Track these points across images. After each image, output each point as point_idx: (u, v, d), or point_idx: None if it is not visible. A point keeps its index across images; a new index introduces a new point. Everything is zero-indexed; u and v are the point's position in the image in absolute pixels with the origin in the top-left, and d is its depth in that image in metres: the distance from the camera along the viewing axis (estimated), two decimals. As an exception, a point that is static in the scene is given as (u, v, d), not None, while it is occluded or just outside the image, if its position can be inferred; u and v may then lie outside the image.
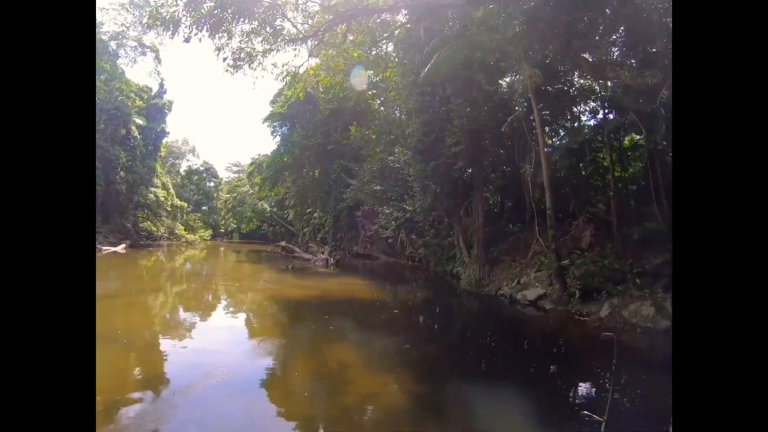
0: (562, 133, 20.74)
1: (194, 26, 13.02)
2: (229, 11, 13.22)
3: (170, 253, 38.72)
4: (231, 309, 14.14)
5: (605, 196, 18.18)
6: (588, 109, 19.60)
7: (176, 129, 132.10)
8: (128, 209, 43.68)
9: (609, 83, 16.73)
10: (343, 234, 36.09)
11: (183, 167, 79.37)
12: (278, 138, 43.02)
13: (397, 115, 26.61)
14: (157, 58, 42.32)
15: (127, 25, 35.54)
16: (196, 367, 7.34)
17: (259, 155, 53.95)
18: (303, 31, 15.43)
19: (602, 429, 3.34)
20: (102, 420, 4.99)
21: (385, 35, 18.20)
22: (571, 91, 18.43)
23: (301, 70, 18.92)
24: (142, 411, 5.56)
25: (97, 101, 33.93)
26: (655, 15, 11.03)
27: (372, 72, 23.48)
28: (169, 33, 13.27)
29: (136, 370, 7.24)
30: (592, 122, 19.77)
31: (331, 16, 14.81)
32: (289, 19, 15.12)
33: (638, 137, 18.18)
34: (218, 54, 14.55)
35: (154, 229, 48.36)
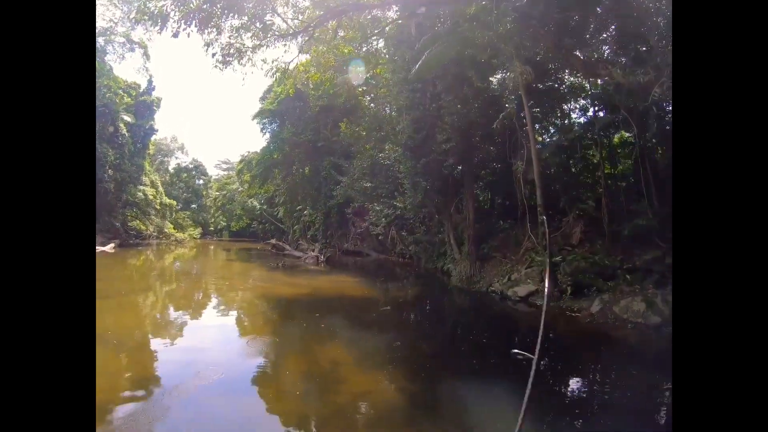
0: (552, 131, 20.84)
1: (183, 21, 12.86)
2: (218, 6, 13.09)
3: (160, 252, 38.42)
4: (221, 308, 14.04)
5: (595, 193, 18.32)
6: (578, 106, 19.73)
7: (165, 126, 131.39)
8: (117, 208, 43.17)
9: (599, 81, 16.82)
10: (333, 231, 35.99)
11: (172, 165, 78.60)
12: (268, 135, 42.70)
13: (388, 111, 26.54)
14: (146, 55, 41.89)
15: (116, 20, 34.99)
16: (187, 367, 7.26)
17: (249, 152, 53.75)
18: (293, 27, 15.32)
19: (533, 364, 3.34)
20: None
21: (375, 31, 18.13)
22: (562, 88, 18.52)
23: (291, 66, 18.80)
24: (134, 412, 5.49)
25: (85, 98, 33.43)
26: (646, 14, 11.07)
27: (362, 69, 23.39)
28: (157, 28, 13.09)
29: (128, 372, 7.15)
30: (582, 120, 19.91)
31: (321, 12, 14.71)
32: (279, 15, 15.00)
33: (628, 135, 18.30)
34: (207, 50, 14.40)
35: (143, 228, 47.87)
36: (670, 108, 14.28)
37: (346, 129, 29.28)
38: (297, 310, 13.26)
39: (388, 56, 21.12)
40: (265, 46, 15.19)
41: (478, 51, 12.17)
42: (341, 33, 16.91)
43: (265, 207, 57.66)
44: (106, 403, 5.52)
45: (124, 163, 43.04)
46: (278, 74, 18.88)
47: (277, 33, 14.95)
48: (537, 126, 18.06)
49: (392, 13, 18.09)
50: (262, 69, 17.24)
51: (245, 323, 11.76)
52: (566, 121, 20.08)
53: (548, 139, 20.47)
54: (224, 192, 72.64)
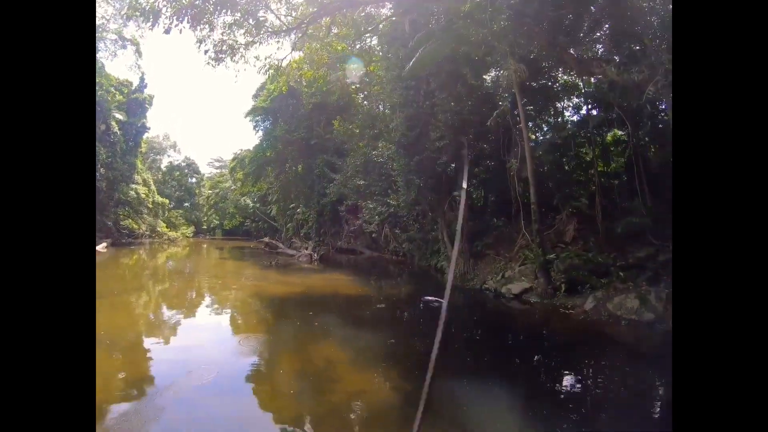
0: (545, 129, 20.93)
1: (175, 17, 12.75)
2: (211, 2, 12.99)
3: (152, 251, 38.18)
4: (215, 307, 13.96)
5: (588, 191, 18.40)
6: (571, 104, 19.85)
7: (157, 124, 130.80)
8: (108, 207, 42.86)
9: (593, 79, 16.90)
10: (326, 229, 35.91)
11: (164, 163, 78.22)
12: (261, 133, 42.46)
13: (381, 109, 26.51)
14: (138, 52, 41.56)
15: (107, 17, 34.63)
16: (181, 367, 7.20)
17: (242, 150, 53.36)
18: (286, 24, 15.23)
19: (442, 308, 3.39)
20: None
21: (369, 29, 18.08)
22: (555, 86, 18.60)
23: (284, 64, 18.69)
24: (128, 412, 5.43)
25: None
26: (640, 13, 11.12)
27: (355, 66, 23.34)
28: (149, 24, 12.98)
29: (121, 371, 7.08)
30: (575, 118, 20.01)
31: (315, 9, 14.65)
32: (272, 11, 14.92)
33: (621, 133, 18.41)
34: (199, 46, 14.29)
35: (135, 227, 47.58)
36: (664, 106, 14.37)
37: (339, 126, 29.24)
38: (290, 309, 13.20)
39: (381, 54, 21.09)
40: (258, 43, 15.11)
41: (473, 48, 12.15)
42: (335, 30, 16.86)
43: (258, 205, 57.48)
44: (99, 403, 5.44)
45: (116, 162, 42.77)
46: (271, 71, 18.72)
47: (270, 29, 14.87)
48: (530, 124, 18.11)
49: (386, 11, 18.07)
50: (254, 66, 17.15)
51: (239, 322, 11.70)
52: (559, 119, 20.20)
53: (541, 137, 20.56)
54: (217, 190, 72.39)
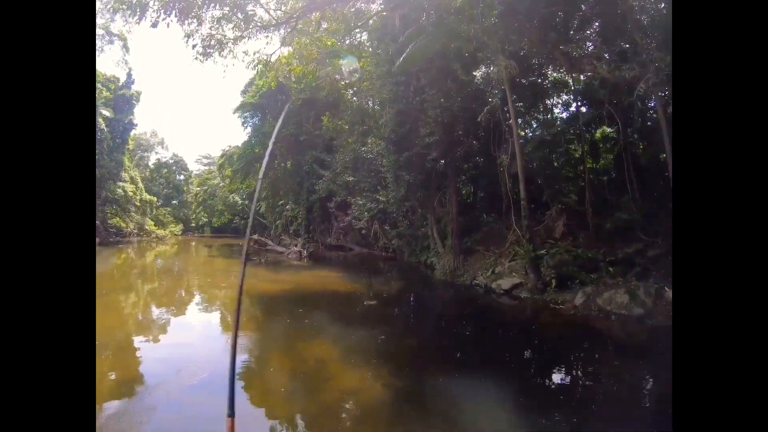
0: (534, 125, 21.03)
1: (162, 10, 12.59)
2: (200, -6, 12.87)
3: (140, 249, 37.83)
4: (204, 305, 13.86)
5: (577, 187, 18.54)
6: (560, 101, 19.96)
7: (144, 121, 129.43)
8: (96, 205, 42.46)
9: (582, 77, 17.00)
10: (316, 226, 35.78)
11: (152, 160, 77.30)
12: (249, 129, 42.11)
13: (371, 105, 26.42)
14: (125, 47, 40.99)
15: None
16: (171, 366, 7.11)
17: (230, 147, 52.89)
18: (276, 18, 15.10)
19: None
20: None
21: (359, 24, 17.99)
22: (545, 83, 18.70)
23: (273, 59, 18.55)
24: (118, 412, 5.35)
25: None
26: (630, 12, 11.19)
27: (345, 62, 23.22)
28: (136, 18, 12.80)
29: (111, 371, 6.98)
30: (564, 115, 20.14)
31: (304, 3, 14.55)
32: (261, 5, 14.78)
33: (609, 130, 18.58)
34: (187, 41, 14.12)
35: (123, 225, 47.10)
36: (653, 104, 14.47)
37: (328, 123, 29.07)
38: (280, 306, 13.12)
39: (371, 49, 20.97)
40: (246, 38, 14.98)
41: (464, 44, 12.13)
42: (324, 25, 16.75)
43: (246, 202, 57.15)
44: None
45: (103, 159, 42.22)
46: (260, 66, 18.58)
47: (259, 24, 14.74)
48: (520, 120, 18.15)
49: (376, 6, 18.01)
50: (243, 61, 17.02)
51: (228, 320, 11.60)
52: (549, 116, 20.29)
53: (531, 134, 20.67)
54: (205, 187, 71.76)
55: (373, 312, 12.49)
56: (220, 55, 14.89)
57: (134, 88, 48.77)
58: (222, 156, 55.30)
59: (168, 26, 13.04)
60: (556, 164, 19.84)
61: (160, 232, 55.59)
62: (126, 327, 10.34)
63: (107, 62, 79.37)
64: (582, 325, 10.23)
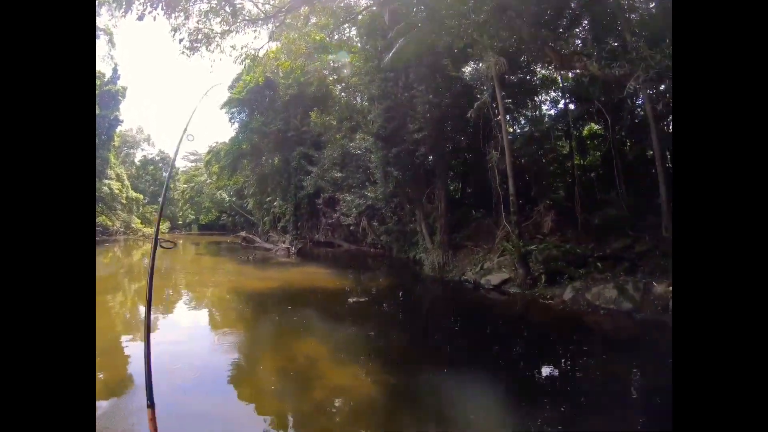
0: (522, 122, 21.13)
1: (149, 3, 12.40)
2: (187, -14, 12.70)
3: (127, 248, 37.34)
4: (192, 304, 13.69)
5: (565, 183, 18.70)
6: (549, 98, 20.09)
7: (130, 117, 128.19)
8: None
9: (571, 74, 17.10)
10: (304, 222, 35.67)
11: (138, 157, 76.45)
12: (236, 125, 41.64)
13: (359, 101, 26.34)
14: (111, 42, 40.56)
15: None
16: (162, 367, 6.98)
17: (217, 143, 52.44)
18: (264, 12, 14.95)
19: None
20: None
21: (348, 19, 17.88)
22: (534, 80, 18.80)
23: (261, 54, 18.38)
24: (107, 413, 5.25)
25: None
26: (619, 10, 11.30)
27: (334, 57, 23.09)
28: (122, 10, 12.60)
29: (100, 373, 6.85)
30: (552, 111, 20.29)
31: (294, -3, 14.43)
32: (250, -2, 14.65)
33: (597, 127, 18.75)
34: (174, 35, 13.92)
35: (109, 223, 46.52)
36: (641, 101, 14.60)
37: (316, 118, 28.86)
38: (269, 304, 13.04)
39: (360, 45, 20.88)
40: (234, 32, 14.83)
41: (455, 39, 12.08)
42: (313, 19, 16.62)
43: (233, 199, 56.71)
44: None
45: (87, 156, 41.67)
46: (247, 61, 18.38)
47: (247, 18, 14.60)
48: (508, 117, 18.18)
49: (365, 1, 17.88)
50: (231, 56, 16.81)
51: (217, 318, 11.52)
52: (537, 113, 20.42)
53: (519, 130, 20.76)
54: (192, 184, 71.07)
55: (362, 308, 12.46)
56: (207, 49, 14.71)
57: (120, 83, 48.13)
58: (209, 152, 54.82)
59: (154, 19, 12.88)
60: (544, 160, 19.99)
61: (147, 230, 55.04)
62: (114, 327, 10.20)
63: (92, 57, 78.34)
64: (571, 319, 10.29)
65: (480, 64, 16.10)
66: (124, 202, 50.76)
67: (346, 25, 19.30)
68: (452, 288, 15.41)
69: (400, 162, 18.48)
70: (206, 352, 8.15)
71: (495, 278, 14.05)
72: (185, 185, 73.46)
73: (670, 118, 16.03)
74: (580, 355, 8.24)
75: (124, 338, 9.11)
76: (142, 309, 12.51)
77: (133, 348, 8.23)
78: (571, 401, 5.99)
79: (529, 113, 20.68)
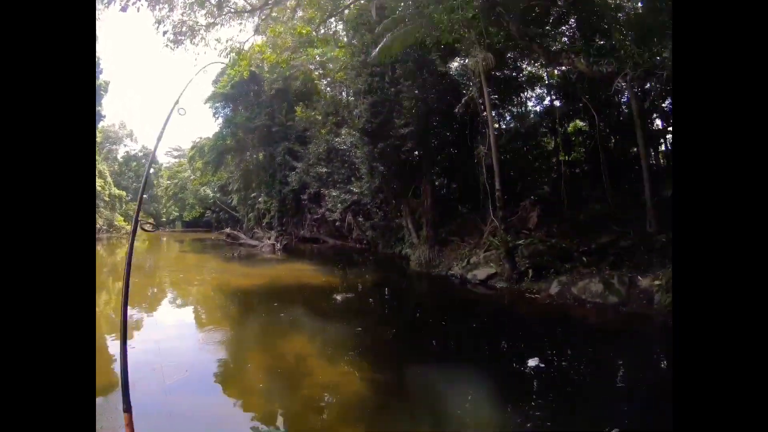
0: (508, 118, 21.23)
1: (133, -7, 12.21)
2: (171, -23, 12.49)
3: (110, 246, 36.80)
4: (178, 302, 13.53)
5: (550, 179, 18.84)
6: (534, 95, 20.21)
7: (112, 112, 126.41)
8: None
9: (557, 71, 17.22)
10: (289, 218, 35.43)
11: (120, 153, 75.31)
12: (220, 120, 41.23)
13: (344, 96, 26.25)
14: (92, 36, 39.90)
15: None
16: (146, 365, 6.85)
17: (201, 138, 51.96)
18: (250, 4, 14.78)
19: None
20: None
21: (335, 13, 17.76)
22: (520, 77, 18.88)
23: (246, 47, 18.20)
24: (96, 415, 5.14)
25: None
26: (606, 9, 11.41)
27: (319, 51, 22.93)
28: (105, 1, 12.35)
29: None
30: (538, 108, 20.44)
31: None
32: (236, -9, 14.47)
33: (582, 124, 18.91)
34: (158, 27, 13.70)
35: (91, 221, 45.95)
36: (626, 99, 14.76)
37: (301, 113, 28.69)
38: (255, 301, 12.96)
39: (347, 39, 20.78)
40: (219, 25, 14.63)
41: (444, 34, 12.05)
42: (300, 13, 16.46)
43: (218, 195, 56.12)
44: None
45: (68, 152, 41.05)
46: (232, 55, 18.19)
47: (232, 10, 14.42)
48: (494, 113, 18.25)
49: (353, -5, 17.76)
50: (215, 49, 16.63)
51: (203, 317, 11.42)
52: (523, 109, 20.54)
53: (504, 127, 20.84)
54: (176, 180, 70.24)
55: (349, 305, 12.42)
56: (191, 42, 14.50)
57: (102, 77, 47.31)
58: (192, 148, 54.34)
59: (138, 11, 12.66)
60: (529, 156, 20.13)
61: (130, 227, 54.31)
62: (98, 326, 10.05)
63: (74, 51, 76.87)
64: (558, 313, 10.36)
65: (467, 60, 16.10)
66: (107, 199, 50.11)
67: (332, 19, 19.14)
68: (439, 283, 15.43)
69: (385, 157, 18.44)
70: (193, 351, 8.05)
71: (481, 273, 14.08)
72: (168, 181, 72.68)
73: (655, 115, 16.31)
74: (568, 348, 8.28)
75: (108, 338, 8.96)
76: (128, 309, 12.32)
77: (117, 347, 8.10)
78: (559, 393, 6.05)
79: (515, 109, 20.79)
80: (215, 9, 13.97)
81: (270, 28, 16.80)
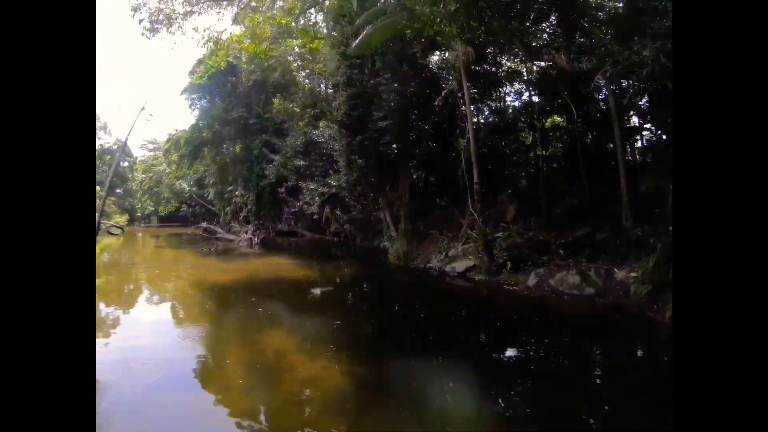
0: (487, 112, 21.35)
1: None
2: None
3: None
4: (154, 299, 13.25)
5: (528, 173, 19.06)
6: (513, 90, 20.36)
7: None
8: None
9: (536, 67, 17.39)
10: (266, 212, 35.11)
11: (94, 147, 74.17)
12: (197, 111, 40.44)
13: (323, 88, 26.09)
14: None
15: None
16: (126, 368, 6.68)
17: (177, 131, 50.93)
18: (230, -8, 14.56)
19: None
20: None
21: (316, 3, 17.57)
22: (499, 72, 18.99)
23: (224, 37, 17.92)
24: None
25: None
26: (586, 7, 11.54)
27: (299, 42, 22.68)
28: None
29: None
30: (516, 103, 20.61)
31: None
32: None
33: (560, 119, 19.17)
34: (134, 15, 13.39)
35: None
36: (604, 96, 15.00)
37: (279, 105, 28.40)
38: (233, 297, 12.85)
39: (326, 30, 20.63)
40: (197, 13, 14.34)
41: (425, 27, 12.02)
42: (279, 2, 16.24)
43: (194, 189, 55.27)
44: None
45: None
46: (210, 44, 17.85)
47: (211, -2, 14.16)
48: (473, 107, 18.31)
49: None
50: (193, 38, 16.55)
51: (180, 314, 11.24)
52: (501, 104, 20.70)
53: (483, 121, 20.96)
54: (151, 174, 68.86)
55: (328, 298, 12.37)
56: (168, 31, 14.20)
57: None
58: (168, 141, 53.07)
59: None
60: (507, 151, 20.30)
61: (106, 222, 53.36)
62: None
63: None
64: (536, 305, 10.54)
65: (447, 54, 16.11)
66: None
67: (313, 10, 18.94)
68: (417, 276, 15.51)
69: (364, 150, 18.37)
70: (170, 348, 7.90)
71: (460, 265, 14.18)
72: (144, 175, 71.39)
73: (632, 113, 16.64)
74: (546, 339, 8.39)
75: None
76: (103, 306, 12.05)
77: (97, 349, 7.93)
78: (538, 383, 6.15)
79: (494, 104, 20.91)
80: (193, -4, 13.73)
81: (249, 18, 16.53)
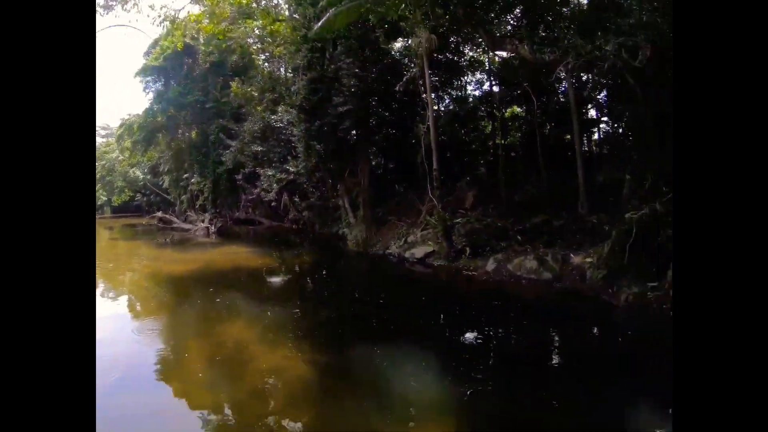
0: (447, 100, 21.48)
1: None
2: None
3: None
4: (109, 294, 12.67)
5: (487, 161, 19.33)
6: (474, 80, 20.54)
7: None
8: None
9: (498, 58, 17.60)
10: (223, 200, 34.32)
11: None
12: (151, 95, 38.67)
13: (282, 72, 25.65)
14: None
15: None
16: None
17: (130, 115, 48.87)
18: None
19: None
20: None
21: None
22: (461, 61, 19.11)
23: (181, 15, 17.28)
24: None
25: None
26: (551, 3, 11.68)
27: (259, 24, 22.11)
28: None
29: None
30: (477, 92, 20.84)
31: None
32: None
33: (519, 109, 19.53)
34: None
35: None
36: (565, 88, 15.31)
37: (237, 89, 27.71)
38: (191, 288, 12.56)
39: (288, 12, 20.23)
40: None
41: (389, 11, 11.88)
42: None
43: (148, 177, 53.36)
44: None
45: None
46: (167, 23, 17.15)
47: (167, -26, 13.62)
48: (434, 95, 18.38)
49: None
50: (149, 16, 15.80)
51: (137, 307, 10.93)
52: (462, 93, 20.89)
53: (444, 109, 21.09)
54: (103, 162, 66.05)
55: (288, 287, 12.28)
56: (123, 8, 13.59)
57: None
58: (121, 126, 50.98)
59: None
60: (467, 139, 20.49)
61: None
62: None
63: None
64: (495, 289, 10.78)
65: (410, 41, 16.05)
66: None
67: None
68: (377, 262, 15.61)
69: (323, 136, 18.13)
70: (128, 344, 7.61)
71: (419, 251, 14.29)
72: (96, 164, 68.80)
73: (590, 105, 17.07)
74: (505, 322, 8.58)
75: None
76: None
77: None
78: (497, 365, 6.41)
79: (455, 93, 21.10)
80: (150, -29, 13.14)
81: (208, -4, 16.01)
